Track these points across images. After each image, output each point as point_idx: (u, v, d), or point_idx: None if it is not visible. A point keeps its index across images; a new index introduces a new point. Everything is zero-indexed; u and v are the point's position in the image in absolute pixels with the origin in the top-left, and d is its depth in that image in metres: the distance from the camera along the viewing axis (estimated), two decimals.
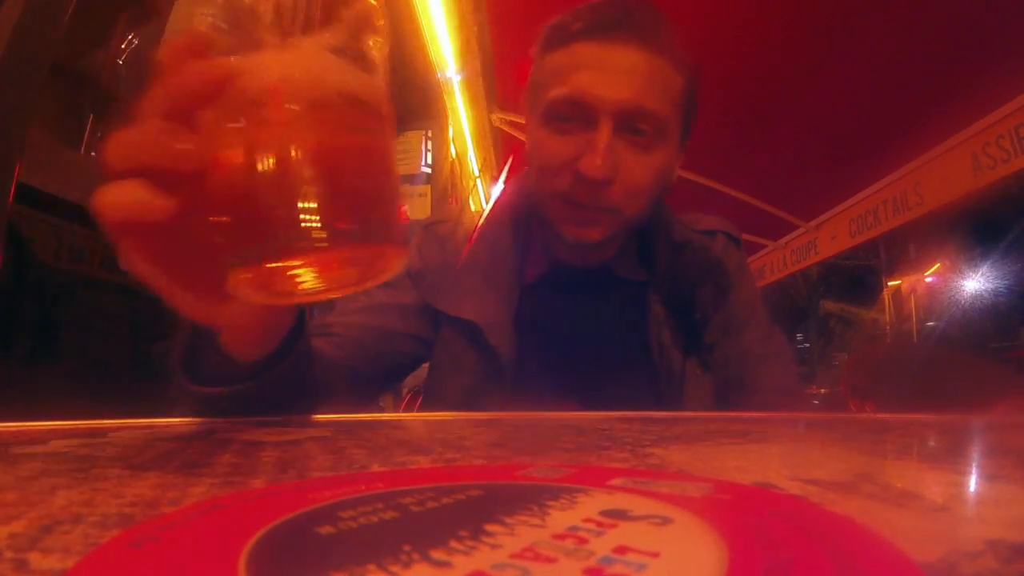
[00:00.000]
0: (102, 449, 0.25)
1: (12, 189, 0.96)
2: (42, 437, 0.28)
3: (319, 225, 0.25)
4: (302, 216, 0.25)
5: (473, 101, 2.74)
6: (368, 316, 0.61)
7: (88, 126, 1.62)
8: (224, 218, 0.26)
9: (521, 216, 0.65)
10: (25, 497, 0.15)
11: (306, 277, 0.26)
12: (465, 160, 3.23)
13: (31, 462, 0.21)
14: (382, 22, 0.29)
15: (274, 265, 0.25)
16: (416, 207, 3.15)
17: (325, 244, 0.25)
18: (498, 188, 0.59)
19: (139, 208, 0.27)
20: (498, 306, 0.61)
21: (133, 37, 1.77)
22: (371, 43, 0.28)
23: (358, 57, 0.27)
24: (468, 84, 2.62)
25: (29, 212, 1.23)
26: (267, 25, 0.26)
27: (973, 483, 0.20)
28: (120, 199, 0.27)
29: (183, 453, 0.24)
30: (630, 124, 0.55)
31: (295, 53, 0.26)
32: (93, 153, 1.62)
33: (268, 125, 0.25)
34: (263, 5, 0.26)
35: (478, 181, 3.37)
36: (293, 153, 0.25)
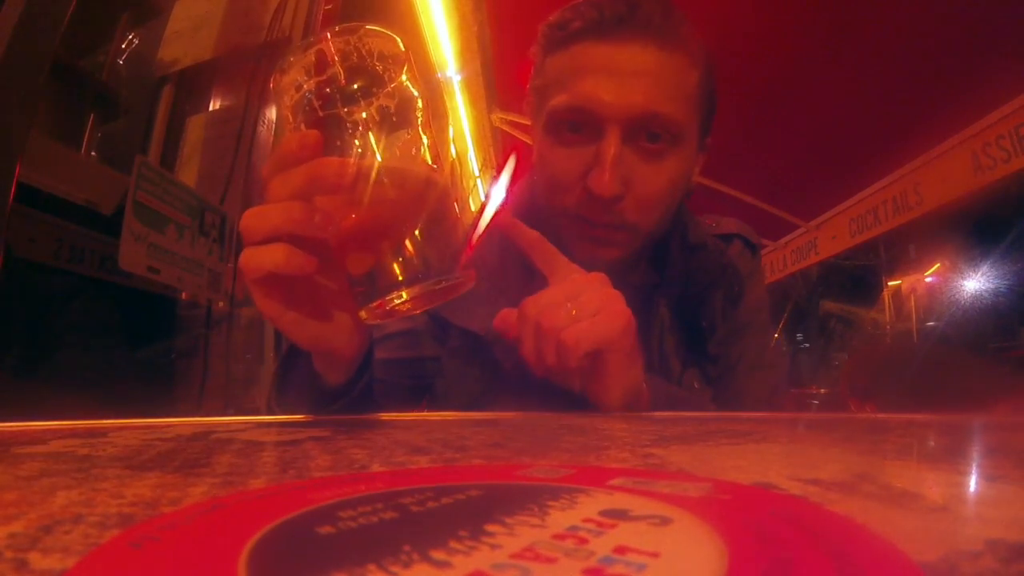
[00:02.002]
0: (102, 449, 0.25)
1: (12, 189, 0.96)
2: (42, 437, 0.28)
3: (419, 267, 0.35)
4: (407, 262, 0.35)
5: (473, 101, 2.74)
6: (381, 351, 0.59)
7: (88, 126, 1.62)
8: (352, 267, 0.36)
9: (531, 220, 0.63)
10: (25, 497, 0.15)
11: (408, 302, 0.35)
12: (465, 160, 3.23)
13: (31, 462, 0.21)
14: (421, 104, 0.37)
15: (390, 297, 0.34)
16: None
17: (423, 279, 0.34)
18: (498, 188, 0.57)
19: (286, 265, 0.34)
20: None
21: (133, 37, 1.77)
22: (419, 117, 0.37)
23: (417, 133, 0.37)
24: (468, 84, 2.62)
25: (29, 212, 1.23)
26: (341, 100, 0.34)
27: (973, 483, 0.19)
28: (268, 257, 0.35)
29: (183, 453, 0.24)
30: (642, 131, 0.51)
31: (389, 156, 0.35)
32: (93, 153, 1.62)
33: (381, 202, 0.34)
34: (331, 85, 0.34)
35: (478, 181, 3.37)
36: (397, 219, 0.35)
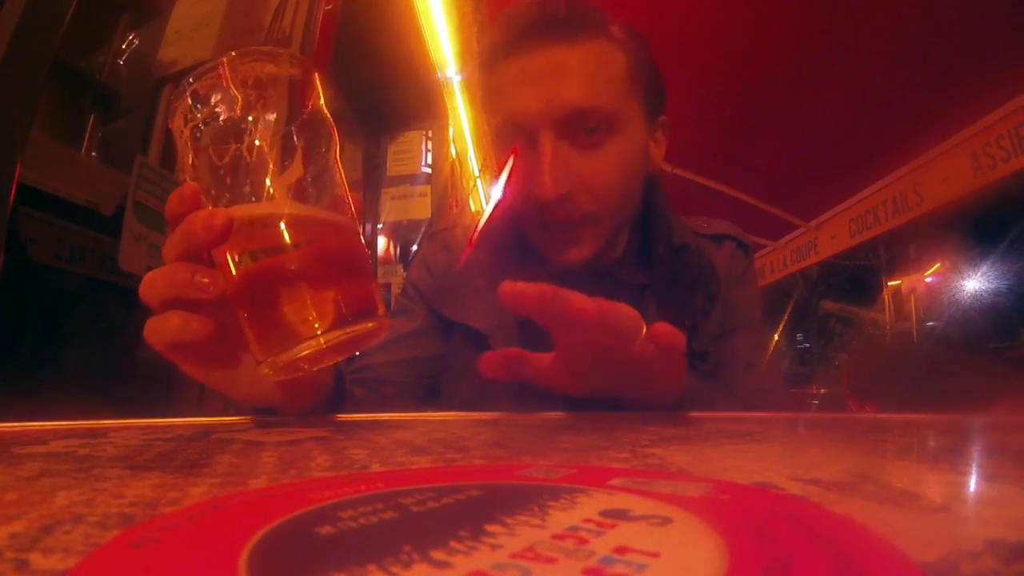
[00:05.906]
0: (102, 449, 0.25)
1: (12, 189, 0.96)
2: (42, 437, 0.28)
3: (320, 320, 0.31)
4: (307, 316, 0.31)
5: (473, 101, 2.74)
6: (390, 354, 0.61)
7: (88, 126, 1.62)
8: (247, 327, 0.33)
9: (516, 238, 0.63)
10: (25, 497, 0.15)
11: (315, 354, 0.32)
12: (465, 160, 3.23)
13: (31, 462, 0.21)
14: (333, 130, 0.34)
15: (295, 350, 0.31)
16: (416, 207, 3.16)
17: (326, 333, 0.31)
18: (498, 188, 0.57)
19: (181, 333, 0.33)
20: (503, 310, 0.60)
21: (133, 37, 1.77)
22: (325, 148, 0.33)
23: (324, 168, 0.33)
24: (468, 84, 2.62)
25: (29, 212, 1.23)
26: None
27: (973, 483, 0.19)
28: (164, 328, 0.33)
29: (183, 453, 0.24)
30: (578, 127, 0.53)
31: (274, 198, 0.32)
32: (93, 153, 1.62)
33: (269, 251, 0.31)
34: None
35: (478, 181, 3.37)
36: (291, 269, 0.31)
